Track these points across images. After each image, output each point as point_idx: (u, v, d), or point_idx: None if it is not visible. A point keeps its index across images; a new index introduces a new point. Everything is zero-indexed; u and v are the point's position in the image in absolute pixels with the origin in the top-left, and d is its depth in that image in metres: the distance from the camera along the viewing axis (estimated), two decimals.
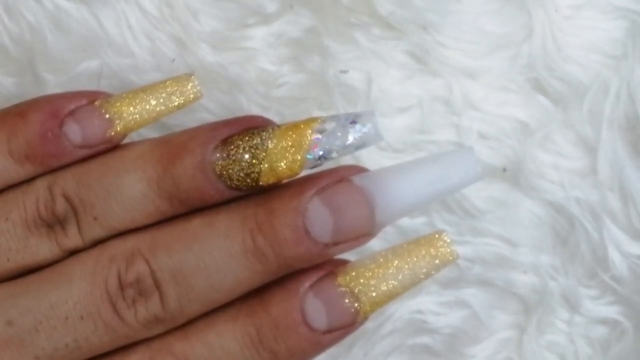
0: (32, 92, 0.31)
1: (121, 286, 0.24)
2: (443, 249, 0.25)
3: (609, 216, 0.33)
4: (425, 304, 0.33)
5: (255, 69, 0.32)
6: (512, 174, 0.33)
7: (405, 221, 0.33)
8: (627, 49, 0.32)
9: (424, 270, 0.25)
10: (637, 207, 0.32)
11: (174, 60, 0.31)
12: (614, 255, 0.33)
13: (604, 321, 0.34)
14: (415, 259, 0.25)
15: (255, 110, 0.31)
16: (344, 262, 0.25)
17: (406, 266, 0.25)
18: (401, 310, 0.33)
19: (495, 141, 0.33)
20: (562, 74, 0.32)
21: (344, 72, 0.32)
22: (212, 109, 0.31)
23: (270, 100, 0.32)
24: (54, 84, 0.31)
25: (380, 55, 0.32)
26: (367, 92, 0.32)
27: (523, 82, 0.33)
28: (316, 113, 0.32)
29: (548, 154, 0.33)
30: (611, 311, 0.34)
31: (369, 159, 0.32)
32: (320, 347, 0.25)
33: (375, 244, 0.32)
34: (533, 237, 0.33)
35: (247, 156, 0.24)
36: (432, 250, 0.25)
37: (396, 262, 0.25)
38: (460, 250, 0.33)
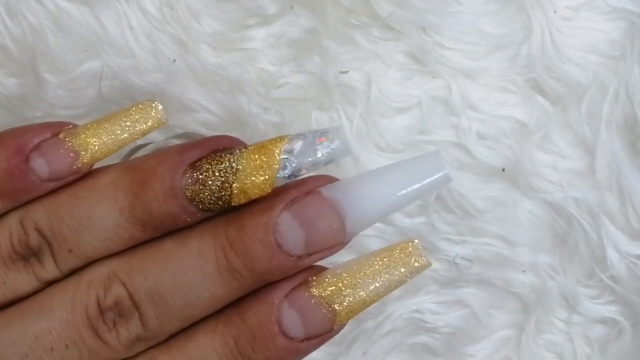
0: (33, 93, 0.31)
1: (101, 310, 0.24)
2: (415, 257, 0.25)
3: (607, 216, 0.33)
4: (424, 303, 0.33)
5: (256, 69, 0.32)
6: (510, 174, 0.33)
7: (404, 220, 0.33)
8: (626, 50, 0.32)
9: (397, 278, 0.25)
10: (635, 207, 0.32)
11: (174, 60, 0.31)
12: (612, 255, 0.33)
13: (602, 320, 0.34)
14: (388, 267, 0.25)
15: (255, 111, 0.31)
16: (319, 270, 0.25)
17: (379, 274, 0.25)
18: (400, 309, 0.33)
19: (494, 141, 0.33)
20: (561, 74, 0.32)
21: (343, 72, 0.32)
22: (212, 110, 0.31)
23: (270, 101, 0.32)
24: (55, 85, 0.31)
25: (380, 56, 0.32)
26: (367, 92, 0.32)
27: (522, 83, 0.33)
28: (316, 113, 0.32)
29: (547, 154, 0.33)
30: (609, 310, 0.34)
31: (369, 159, 0.32)
32: (299, 355, 0.25)
33: (374, 243, 0.33)
34: (532, 237, 0.33)
35: (217, 180, 0.24)
36: (404, 258, 0.25)
37: (369, 270, 0.25)
38: (459, 249, 0.33)
